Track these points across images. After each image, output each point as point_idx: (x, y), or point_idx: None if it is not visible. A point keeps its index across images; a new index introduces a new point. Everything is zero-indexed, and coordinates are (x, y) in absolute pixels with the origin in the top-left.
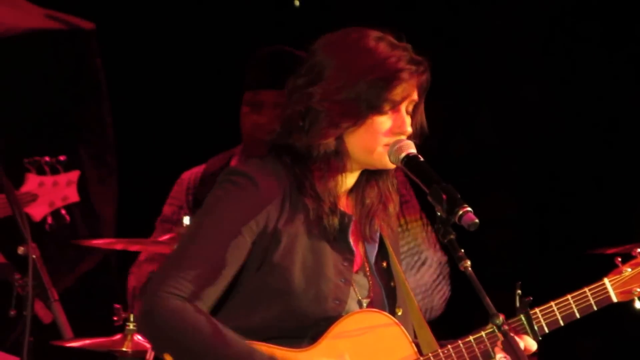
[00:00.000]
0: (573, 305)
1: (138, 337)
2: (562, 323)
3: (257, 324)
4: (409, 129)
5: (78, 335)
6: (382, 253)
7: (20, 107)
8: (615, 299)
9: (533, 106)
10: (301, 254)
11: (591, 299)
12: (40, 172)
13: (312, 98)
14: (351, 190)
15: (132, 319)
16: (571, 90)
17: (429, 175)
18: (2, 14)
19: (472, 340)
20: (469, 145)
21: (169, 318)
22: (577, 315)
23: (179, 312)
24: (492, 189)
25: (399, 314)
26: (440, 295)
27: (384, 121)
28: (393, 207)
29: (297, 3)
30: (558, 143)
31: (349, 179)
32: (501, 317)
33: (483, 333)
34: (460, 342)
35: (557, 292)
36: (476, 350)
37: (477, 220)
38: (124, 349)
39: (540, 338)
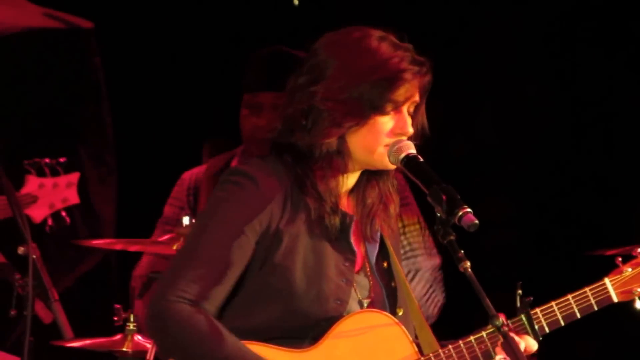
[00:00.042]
0: (574, 305)
1: (138, 337)
2: (562, 323)
3: (259, 324)
4: (411, 130)
5: (78, 335)
6: (383, 253)
7: (19, 107)
8: (615, 299)
9: (533, 106)
10: (302, 254)
11: (592, 299)
12: (41, 173)
13: (315, 97)
14: (352, 191)
15: (132, 319)
16: (571, 91)
17: (429, 176)
18: (1, 13)
19: (473, 341)
20: (468, 146)
21: (177, 326)
22: (578, 315)
23: (188, 320)
24: (492, 189)
25: (400, 314)
26: (434, 305)
27: (386, 122)
28: (394, 208)
29: (296, 2)
30: (558, 143)
31: (350, 179)
32: (501, 318)
33: (484, 333)
34: (461, 342)
35: (558, 292)
36: (477, 350)
37: (477, 221)
38: (124, 349)
39: (540, 338)
